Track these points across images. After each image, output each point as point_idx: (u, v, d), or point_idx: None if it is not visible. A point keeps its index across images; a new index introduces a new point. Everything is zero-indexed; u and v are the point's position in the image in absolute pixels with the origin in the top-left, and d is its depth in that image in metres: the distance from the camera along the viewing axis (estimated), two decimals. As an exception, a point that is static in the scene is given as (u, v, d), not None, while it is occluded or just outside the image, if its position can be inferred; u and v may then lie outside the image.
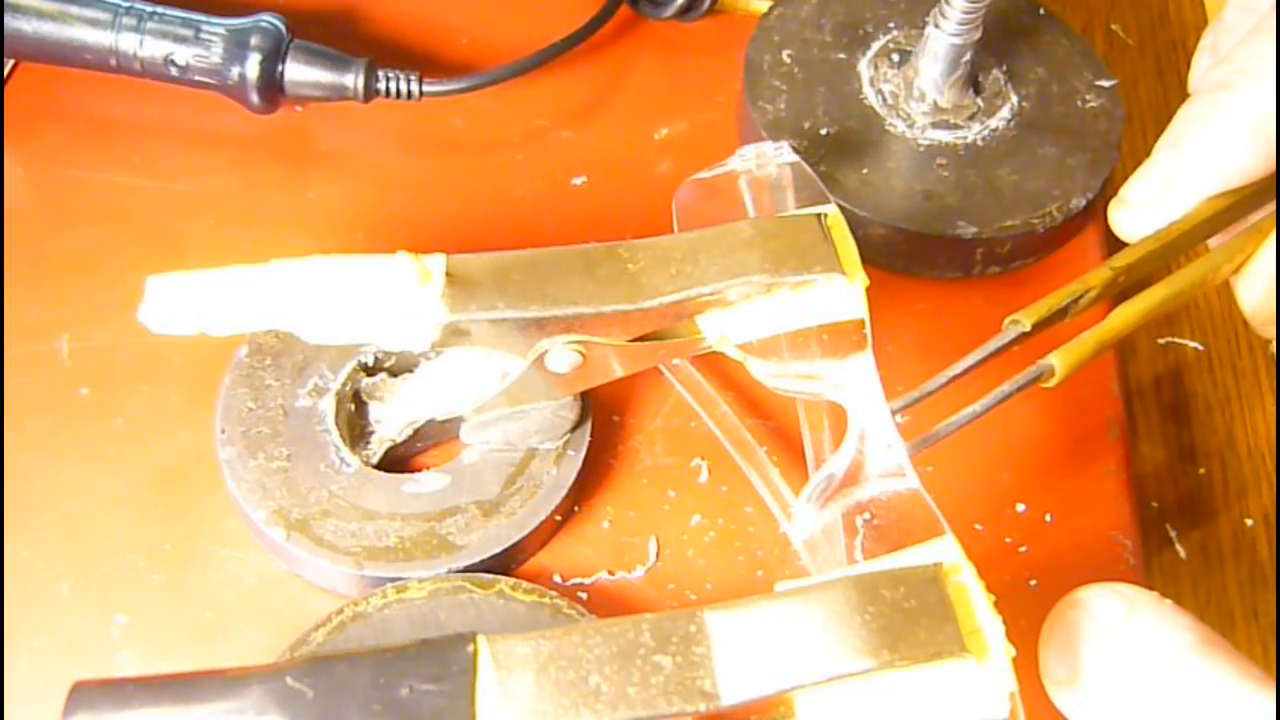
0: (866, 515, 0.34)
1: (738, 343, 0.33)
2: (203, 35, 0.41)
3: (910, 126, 0.43)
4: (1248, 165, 0.33)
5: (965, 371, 0.32)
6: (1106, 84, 0.45)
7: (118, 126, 0.44)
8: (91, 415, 0.37)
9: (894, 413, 0.32)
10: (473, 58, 0.47)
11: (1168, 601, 0.28)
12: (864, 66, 0.45)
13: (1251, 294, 0.35)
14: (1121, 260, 0.33)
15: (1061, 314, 0.33)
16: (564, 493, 0.35)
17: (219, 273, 0.31)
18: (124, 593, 0.34)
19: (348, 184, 0.43)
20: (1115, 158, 0.43)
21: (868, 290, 0.32)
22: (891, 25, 0.46)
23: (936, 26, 0.41)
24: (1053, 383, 0.32)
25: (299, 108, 0.45)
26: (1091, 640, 0.27)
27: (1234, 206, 0.34)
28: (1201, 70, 0.37)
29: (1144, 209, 0.34)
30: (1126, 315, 0.33)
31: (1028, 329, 0.32)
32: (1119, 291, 0.34)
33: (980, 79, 0.44)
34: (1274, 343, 0.45)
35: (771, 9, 0.46)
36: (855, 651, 0.26)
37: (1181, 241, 0.34)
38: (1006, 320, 0.32)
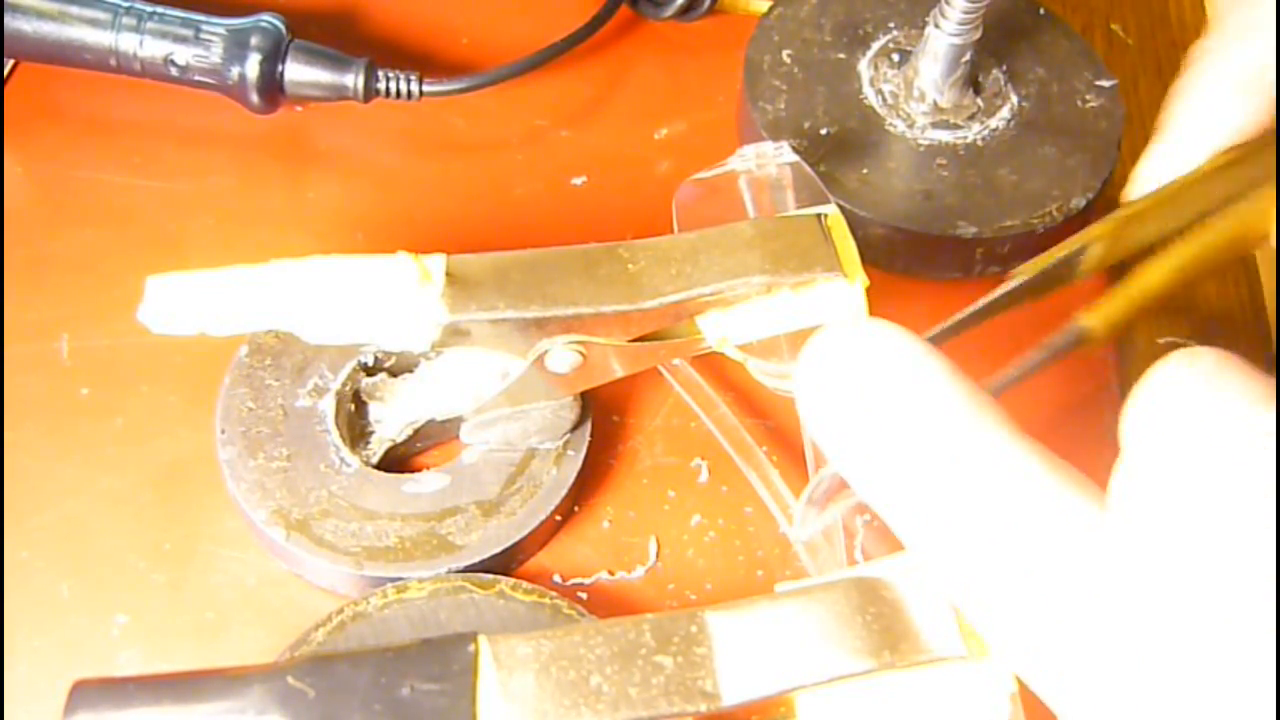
0: (866, 516, 0.34)
1: (738, 343, 0.33)
2: (203, 35, 0.41)
3: (910, 126, 0.43)
4: (1240, 123, 0.33)
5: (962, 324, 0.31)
6: (1106, 84, 0.45)
7: (118, 126, 0.44)
8: (91, 415, 0.37)
9: None
10: (473, 58, 0.47)
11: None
12: (864, 66, 0.45)
13: None
14: (1122, 213, 0.32)
15: (1069, 274, 0.31)
16: (564, 493, 0.35)
17: (219, 273, 0.31)
18: (124, 593, 0.34)
19: (348, 184, 0.43)
20: (1115, 158, 0.43)
21: (868, 290, 0.32)
22: (891, 25, 0.46)
23: (936, 26, 0.41)
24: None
25: (299, 108, 0.45)
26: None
27: (1239, 162, 0.33)
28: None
29: (1153, 184, 0.34)
30: (1157, 272, 0.31)
31: (1023, 280, 0.31)
32: (1131, 253, 0.33)
33: (980, 79, 0.44)
34: (1274, 342, 0.45)
35: (771, 9, 0.46)
36: (855, 652, 0.26)
37: (1187, 195, 0.32)
38: (1010, 273, 0.32)
